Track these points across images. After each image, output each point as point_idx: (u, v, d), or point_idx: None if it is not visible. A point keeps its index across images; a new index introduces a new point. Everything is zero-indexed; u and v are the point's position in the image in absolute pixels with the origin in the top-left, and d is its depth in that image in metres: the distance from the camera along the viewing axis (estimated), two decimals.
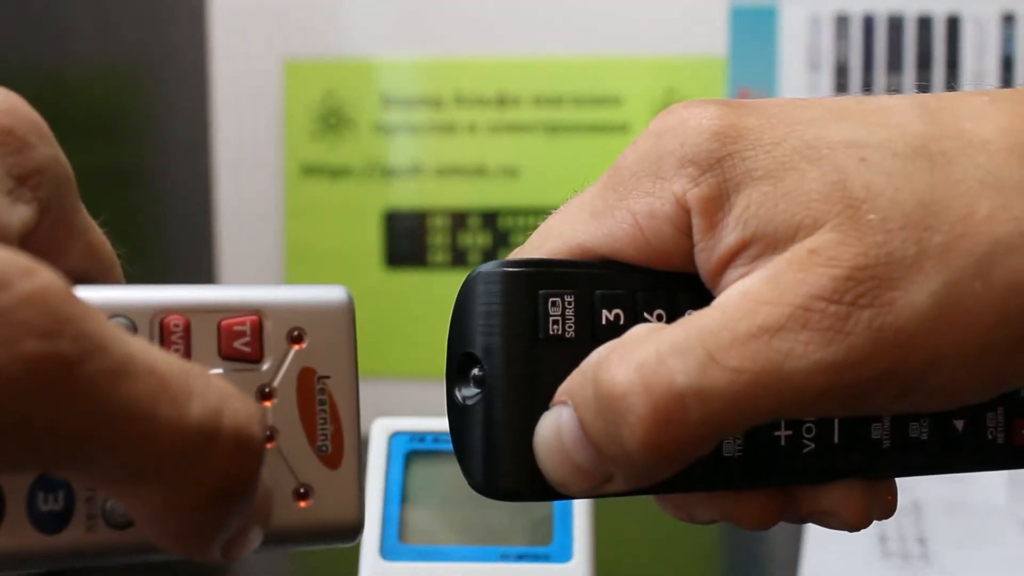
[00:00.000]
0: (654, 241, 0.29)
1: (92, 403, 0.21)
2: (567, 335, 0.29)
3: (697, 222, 0.29)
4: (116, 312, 0.26)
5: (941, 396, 0.27)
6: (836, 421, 0.31)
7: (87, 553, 0.25)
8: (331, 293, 0.28)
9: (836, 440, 0.31)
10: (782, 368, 0.26)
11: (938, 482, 0.74)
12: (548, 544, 0.45)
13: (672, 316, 0.30)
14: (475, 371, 0.30)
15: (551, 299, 0.29)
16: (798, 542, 0.66)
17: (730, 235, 0.28)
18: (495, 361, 0.29)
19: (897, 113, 0.28)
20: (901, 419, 0.31)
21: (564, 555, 0.44)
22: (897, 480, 0.32)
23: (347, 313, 0.28)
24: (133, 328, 0.26)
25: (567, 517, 0.45)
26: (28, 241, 0.24)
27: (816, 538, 0.66)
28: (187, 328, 0.27)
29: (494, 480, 0.29)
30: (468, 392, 0.30)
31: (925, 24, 1.01)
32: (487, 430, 0.29)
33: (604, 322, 0.30)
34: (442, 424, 0.46)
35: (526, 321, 0.29)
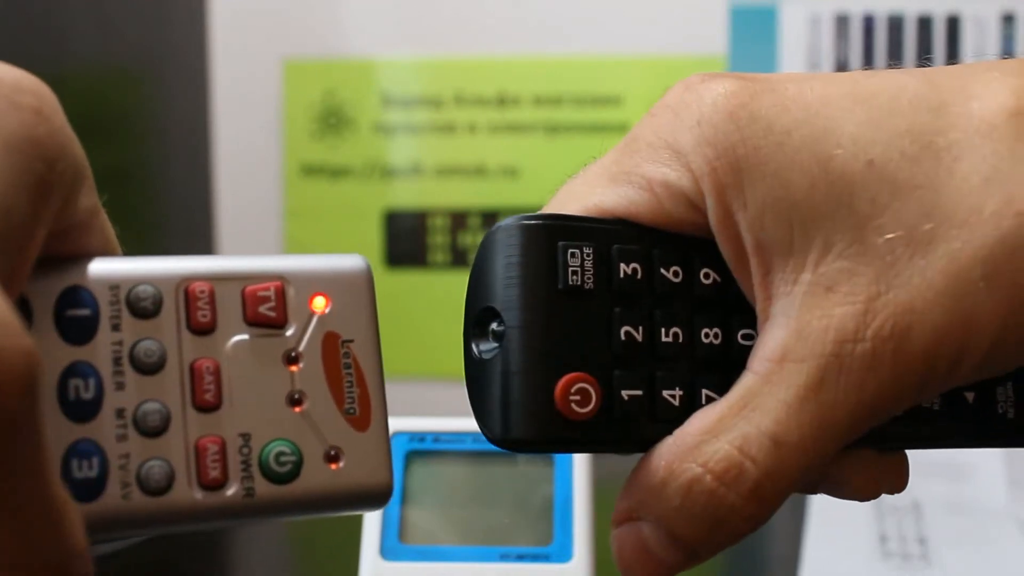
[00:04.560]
0: (668, 208, 0.30)
1: None
2: (586, 286, 0.30)
3: (712, 208, 0.29)
4: (142, 281, 0.26)
5: (967, 382, 0.29)
6: None
7: (123, 522, 0.25)
8: (349, 260, 0.29)
9: None
10: (831, 418, 0.28)
11: (938, 482, 0.74)
12: (548, 544, 0.45)
13: (688, 275, 0.30)
14: (494, 325, 0.30)
15: (570, 250, 0.30)
16: (798, 542, 0.66)
17: (746, 235, 0.29)
18: (514, 312, 0.29)
19: (907, 98, 0.29)
20: None
21: (564, 555, 0.44)
22: None
23: (366, 278, 0.29)
24: (159, 296, 0.26)
25: (567, 517, 0.45)
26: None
27: (816, 538, 0.66)
28: (212, 294, 0.27)
29: (512, 431, 0.29)
30: (486, 346, 0.30)
31: (925, 24, 1.01)
32: (505, 382, 0.29)
33: (622, 275, 0.30)
34: (443, 424, 0.46)
35: (545, 272, 0.29)
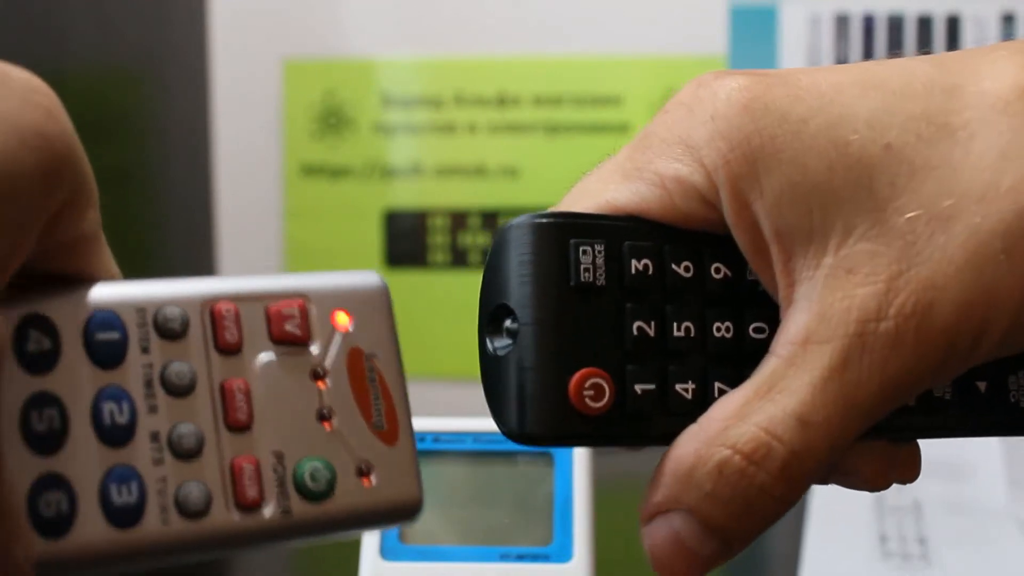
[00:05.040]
0: (680, 204, 0.30)
1: None
2: (598, 283, 0.30)
3: (726, 201, 0.29)
4: (167, 303, 0.26)
5: (987, 360, 0.29)
6: None
7: (163, 548, 0.25)
8: (367, 277, 0.29)
9: None
10: (857, 398, 0.28)
11: (938, 482, 0.74)
12: (548, 544, 0.45)
13: (699, 270, 0.31)
14: (507, 322, 0.30)
15: (582, 248, 0.30)
16: (798, 542, 0.66)
17: (764, 223, 0.29)
18: (527, 310, 0.30)
19: (919, 82, 0.29)
20: None
21: (564, 555, 0.44)
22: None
23: (384, 295, 0.29)
24: (186, 319, 0.26)
25: (567, 517, 0.45)
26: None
27: (816, 538, 0.66)
28: (237, 314, 0.27)
29: (527, 427, 0.30)
30: (501, 343, 0.31)
31: (925, 24, 1.01)
32: (520, 378, 0.30)
33: (633, 271, 0.30)
34: (443, 424, 0.46)
35: (557, 269, 0.30)
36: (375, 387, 0.28)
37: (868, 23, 1.01)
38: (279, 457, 0.27)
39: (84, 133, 0.26)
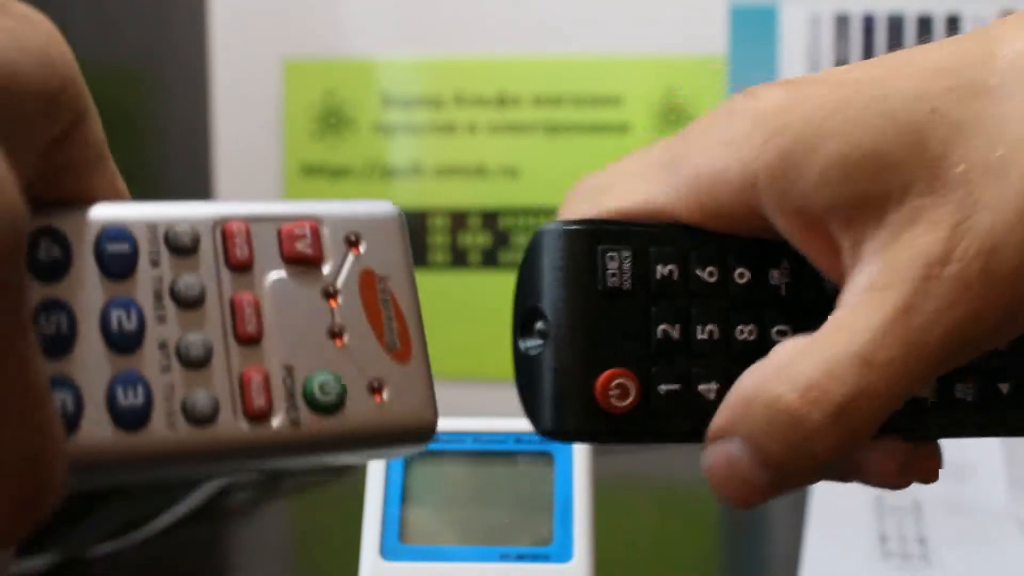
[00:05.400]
0: (712, 203, 0.31)
1: None
2: (624, 287, 0.31)
3: (767, 189, 0.30)
4: (178, 220, 0.27)
5: None
6: None
7: (170, 454, 0.25)
8: (381, 205, 0.29)
9: None
10: (922, 341, 0.28)
11: (938, 482, 0.74)
12: (548, 544, 0.45)
13: (723, 275, 0.32)
14: (539, 324, 0.32)
15: (609, 254, 0.31)
16: (798, 542, 0.66)
17: (813, 200, 0.30)
18: (558, 312, 0.31)
19: (951, 57, 0.30)
20: (945, 382, 0.33)
21: (564, 555, 0.44)
22: None
23: (398, 220, 0.29)
24: (197, 236, 0.27)
25: (567, 517, 0.45)
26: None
27: (816, 538, 0.66)
28: (248, 233, 0.27)
29: (559, 423, 0.31)
30: (532, 343, 0.32)
31: (925, 24, 1.01)
32: (549, 377, 0.31)
33: (658, 276, 0.32)
34: (443, 424, 0.46)
35: (586, 275, 0.31)
36: (388, 308, 0.28)
37: (868, 23, 1.01)
38: (289, 370, 0.27)
39: None
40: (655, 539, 0.74)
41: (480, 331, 1.02)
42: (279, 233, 0.28)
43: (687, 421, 0.31)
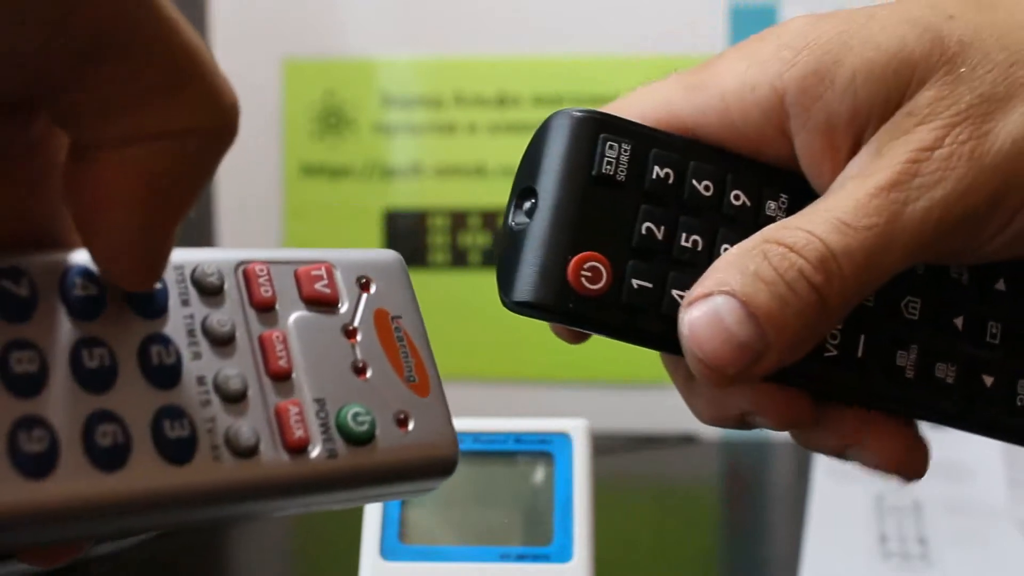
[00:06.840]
0: (738, 121, 0.32)
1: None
2: (618, 177, 0.32)
3: (794, 101, 0.31)
4: (203, 263, 0.28)
5: None
6: (862, 337, 0.32)
7: (218, 489, 0.25)
8: (383, 253, 0.31)
9: (859, 353, 0.32)
10: (903, 214, 0.29)
11: (938, 482, 0.74)
12: (548, 544, 0.45)
13: (719, 192, 0.32)
14: (529, 202, 0.32)
15: (609, 143, 0.32)
16: (798, 542, 0.66)
17: (839, 109, 0.30)
18: (547, 191, 0.32)
19: None
20: (927, 356, 0.33)
21: (564, 555, 0.44)
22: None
23: (402, 266, 0.30)
24: (222, 275, 0.28)
25: (567, 517, 0.45)
26: None
27: (816, 538, 0.66)
28: (269, 273, 0.28)
29: (528, 294, 0.31)
30: (519, 219, 0.32)
31: None
32: (529, 249, 0.31)
33: (654, 176, 0.32)
34: None
35: (583, 160, 0.32)
36: (403, 344, 0.29)
37: None
38: (321, 403, 0.28)
39: None
40: (655, 539, 0.74)
41: (480, 331, 1.02)
42: (296, 275, 0.29)
43: (657, 323, 0.31)
